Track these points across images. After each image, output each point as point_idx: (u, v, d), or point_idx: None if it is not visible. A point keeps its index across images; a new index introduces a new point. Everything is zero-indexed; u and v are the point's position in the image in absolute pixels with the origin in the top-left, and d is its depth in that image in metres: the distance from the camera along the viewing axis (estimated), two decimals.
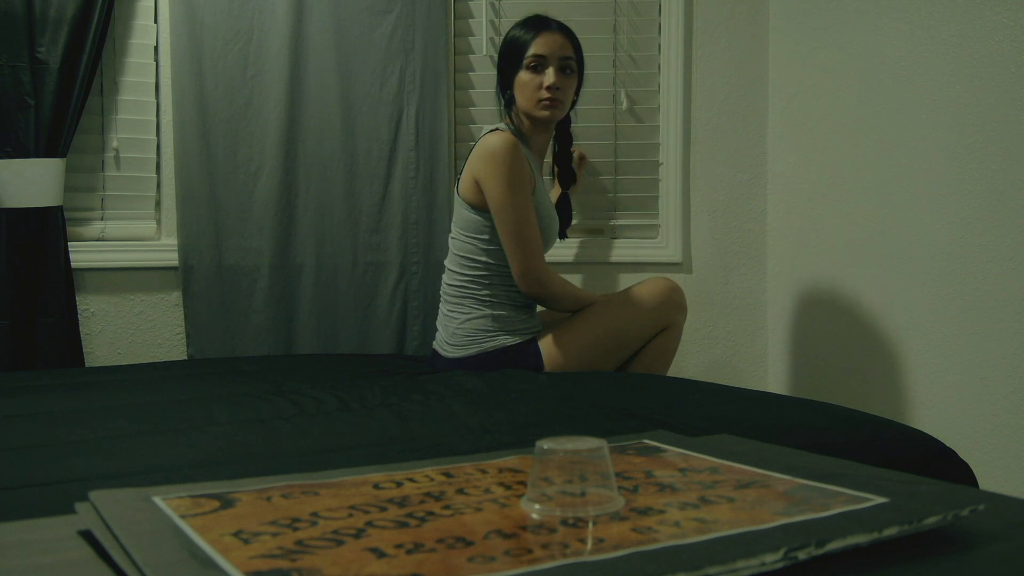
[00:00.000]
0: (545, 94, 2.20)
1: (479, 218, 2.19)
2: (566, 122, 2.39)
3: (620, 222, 2.84)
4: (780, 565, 0.64)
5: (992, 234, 1.95)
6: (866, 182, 2.36)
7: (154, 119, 2.62)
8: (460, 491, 0.81)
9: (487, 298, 2.19)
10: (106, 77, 2.57)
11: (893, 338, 2.27)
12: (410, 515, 0.73)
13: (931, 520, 0.71)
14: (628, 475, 0.86)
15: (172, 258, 2.59)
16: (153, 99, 2.62)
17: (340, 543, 0.66)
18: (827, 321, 2.55)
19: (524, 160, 2.16)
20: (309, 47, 2.59)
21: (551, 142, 2.42)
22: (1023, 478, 1.90)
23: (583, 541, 0.67)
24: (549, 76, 2.19)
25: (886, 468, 0.92)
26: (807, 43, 2.63)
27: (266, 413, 1.64)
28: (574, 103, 2.34)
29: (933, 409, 2.13)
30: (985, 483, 1.90)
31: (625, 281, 2.76)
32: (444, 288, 2.28)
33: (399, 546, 0.66)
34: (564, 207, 2.47)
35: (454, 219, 2.27)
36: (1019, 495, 0.85)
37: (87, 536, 0.72)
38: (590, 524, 0.70)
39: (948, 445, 1.52)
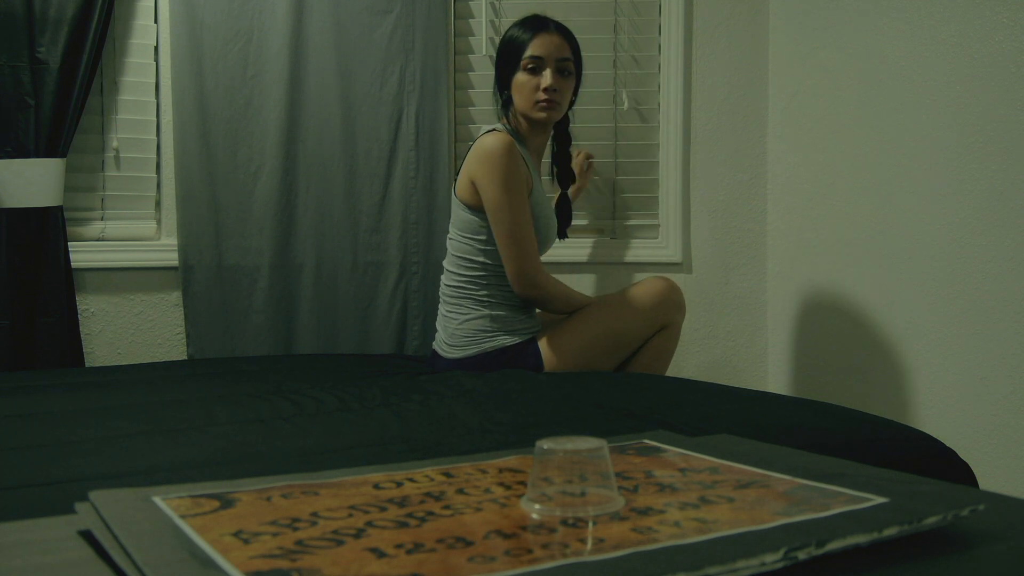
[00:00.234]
0: (542, 96, 2.19)
1: (476, 219, 2.19)
2: (565, 122, 2.39)
3: (620, 222, 2.84)
4: (780, 565, 0.64)
5: (992, 234, 1.95)
6: (866, 182, 2.36)
7: (154, 119, 2.62)
8: (460, 491, 0.81)
9: (485, 298, 2.19)
10: (106, 77, 2.58)
11: (893, 338, 2.27)
12: (410, 515, 0.73)
13: (931, 520, 0.71)
14: (628, 475, 0.86)
15: (172, 258, 2.59)
16: (153, 99, 2.62)
17: (340, 543, 0.66)
18: (827, 321, 2.55)
19: (520, 161, 2.16)
20: (309, 47, 2.59)
21: (549, 142, 2.42)
22: (1023, 478, 1.90)
23: (583, 541, 0.67)
24: (546, 78, 2.19)
25: (886, 468, 0.92)
26: (807, 43, 2.63)
27: (266, 413, 1.64)
28: (572, 103, 2.34)
29: (933, 409, 2.13)
30: (985, 483, 1.90)
31: (625, 281, 2.76)
32: (442, 289, 2.28)
33: (399, 546, 0.66)
34: (563, 207, 2.47)
35: (452, 220, 2.27)
36: (1019, 495, 0.85)
37: (87, 536, 0.72)
38: (590, 524, 0.70)
39: (948, 445, 1.52)
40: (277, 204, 2.59)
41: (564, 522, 0.71)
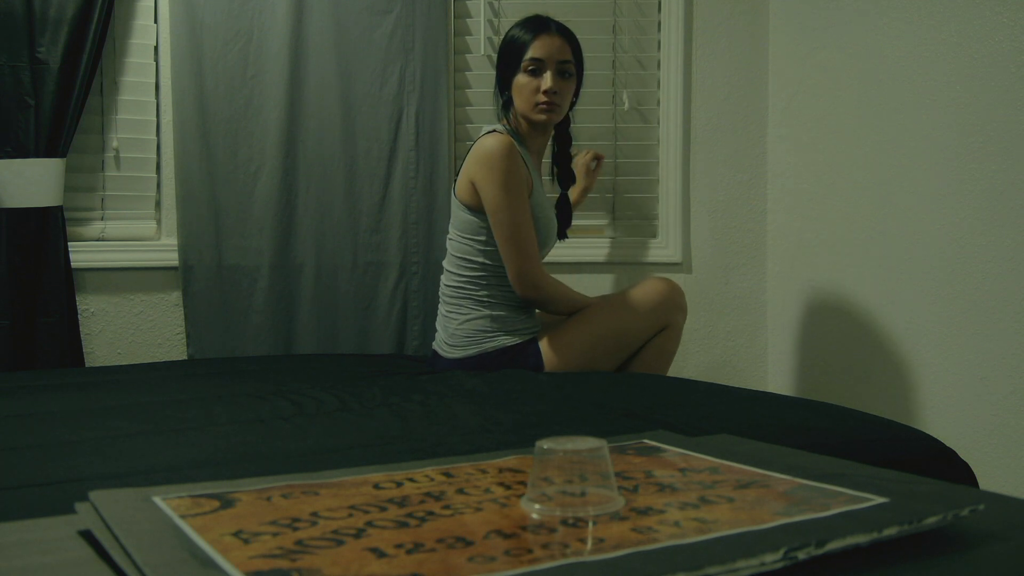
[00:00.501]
0: (542, 98, 2.19)
1: (475, 219, 2.19)
2: (565, 123, 2.39)
3: (620, 222, 2.84)
4: (780, 565, 0.64)
5: (992, 234, 1.95)
6: (866, 182, 2.36)
7: (154, 119, 2.62)
8: (460, 491, 0.81)
9: (485, 299, 2.19)
10: (106, 77, 2.57)
11: (893, 338, 2.27)
12: (410, 515, 0.73)
13: (931, 520, 0.71)
14: (628, 475, 0.86)
15: (172, 258, 2.59)
16: (153, 99, 2.62)
17: (340, 543, 0.66)
18: (827, 321, 2.56)
19: (520, 162, 2.16)
20: (309, 47, 2.59)
21: (550, 142, 2.41)
22: (1023, 478, 1.90)
23: (583, 541, 0.67)
24: (546, 80, 2.18)
25: (886, 468, 0.92)
26: (807, 43, 2.63)
27: (266, 413, 1.64)
28: (573, 104, 2.34)
29: (933, 409, 2.13)
30: (985, 483, 1.90)
31: (625, 281, 2.76)
32: (442, 289, 2.28)
33: (399, 546, 0.66)
34: (564, 208, 2.47)
35: (451, 220, 2.27)
36: (1019, 495, 0.86)
37: (87, 536, 0.72)
38: (590, 524, 0.70)
39: (948, 445, 1.52)
40: (277, 204, 2.59)
41: (564, 522, 0.71)
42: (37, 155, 2.38)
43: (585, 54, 2.31)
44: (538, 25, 2.22)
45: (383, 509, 0.75)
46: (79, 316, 2.51)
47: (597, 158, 2.64)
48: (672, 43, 2.78)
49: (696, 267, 2.83)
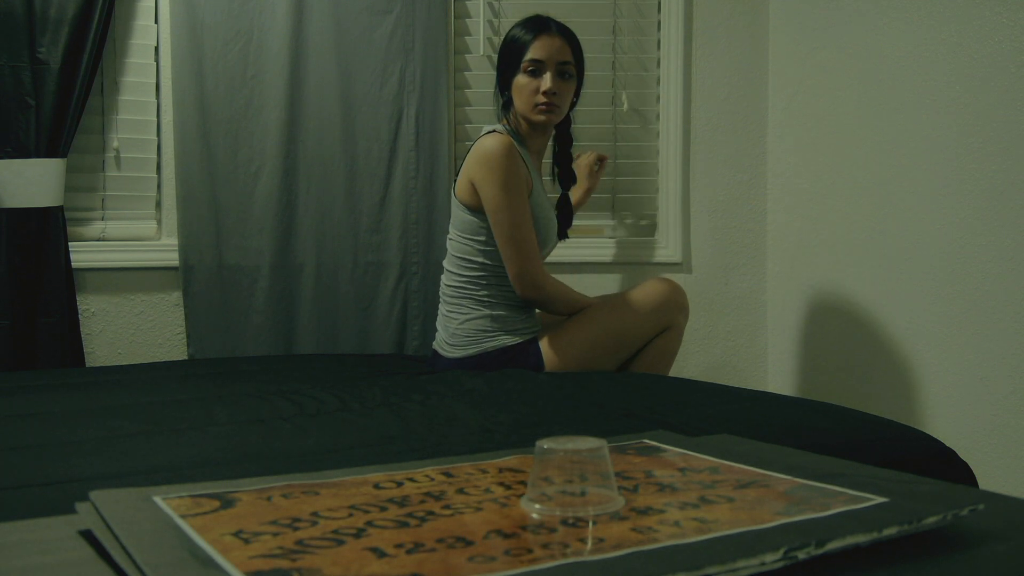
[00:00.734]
0: (541, 99, 2.18)
1: (475, 220, 2.19)
2: (566, 123, 2.38)
3: (620, 222, 2.84)
4: (780, 565, 0.64)
5: (992, 234, 1.95)
6: (866, 182, 2.37)
7: (154, 119, 2.62)
8: (460, 491, 0.81)
9: (485, 298, 2.19)
10: (106, 77, 2.58)
11: (893, 338, 2.27)
12: (410, 515, 0.73)
13: (931, 520, 0.71)
14: (628, 475, 0.86)
15: (172, 258, 2.59)
16: (153, 99, 2.62)
17: (340, 543, 0.66)
18: (827, 321, 2.56)
19: (519, 162, 2.16)
20: (309, 47, 2.59)
21: (551, 142, 2.41)
22: (1023, 478, 1.90)
23: (583, 541, 0.67)
24: (546, 81, 2.18)
25: (886, 468, 0.92)
26: (807, 43, 2.63)
27: (266, 413, 1.64)
28: (574, 104, 2.33)
29: (933, 409, 2.13)
30: (985, 483, 1.90)
31: (625, 281, 2.76)
32: (443, 289, 2.28)
33: (399, 546, 0.66)
34: (564, 208, 2.46)
35: (451, 220, 2.27)
36: (1019, 495, 0.86)
37: (87, 536, 0.72)
38: (590, 524, 0.70)
39: (948, 445, 1.52)
40: (277, 204, 2.59)
41: (564, 522, 0.71)
42: (38, 155, 2.38)
43: (585, 54, 2.30)
44: (538, 25, 2.22)
45: (383, 509, 0.75)
46: (79, 316, 2.51)
47: (600, 159, 2.64)
48: (672, 43, 2.78)
49: (696, 267, 2.83)
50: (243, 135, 2.57)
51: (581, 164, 2.59)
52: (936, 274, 2.11)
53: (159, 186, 2.63)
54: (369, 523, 0.71)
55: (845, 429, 1.54)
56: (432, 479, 0.85)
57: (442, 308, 2.27)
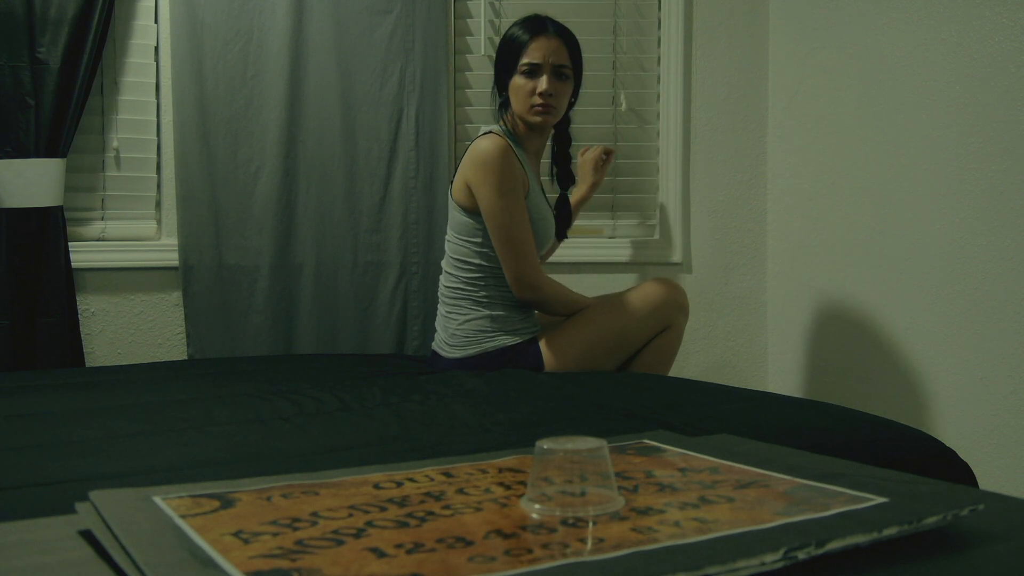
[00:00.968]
0: (537, 100, 2.17)
1: (472, 221, 2.18)
2: (565, 123, 2.37)
3: (620, 222, 2.84)
4: (780, 565, 0.64)
5: (992, 234, 1.95)
6: (866, 182, 2.37)
7: (154, 119, 2.62)
8: (460, 491, 0.81)
9: (484, 299, 2.19)
10: (106, 77, 2.57)
11: (893, 338, 2.27)
12: (410, 515, 0.73)
13: (931, 520, 0.71)
14: (628, 475, 0.86)
15: (172, 258, 2.59)
16: (153, 99, 2.62)
17: (340, 543, 0.66)
18: (827, 321, 2.56)
19: (515, 164, 2.15)
20: (309, 47, 2.59)
21: (549, 142, 2.40)
22: (1023, 478, 1.90)
23: (583, 541, 0.67)
24: (542, 83, 2.16)
25: (886, 468, 0.92)
26: (807, 43, 2.63)
27: (266, 413, 1.64)
28: (572, 104, 2.32)
29: (933, 409, 2.13)
30: (985, 483, 1.90)
31: (625, 281, 2.76)
32: (441, 289, 2.27)
33: (399, 546, 0.66)
34: (563, 208, 2.46)
35: (449, 222, 2.27)
36: (1019, 495, 0.86)
37: (87, 536, 0.72)
38: (590, 524, 0.70)
39: (948, 445, 1.52)
40: (277, 204, 2.59)
41: (564, 522, 0.71)
42: (37, 155, 2.38)
43: (585, 55, 2.29)
44: (535, 26, 2.21)
45: (383, 509, 0.75)
46: (79, 316, 2.51)
47: (607, 153, 2.60)
48: (672, 43, 2.78)
49: (696, 267, 2.83)
50: (243, 135, 2.57)
51: (587, 159, 2.57)
52: (936, 274, 2.11)
53: (159, 186, 2.63)
54: (369, 523, 0.71)
55: (845, 429, 1.54)
56: (432, 479, 0.85)
57: (441, 309, 2.27)
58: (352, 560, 0.63)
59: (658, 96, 2.82)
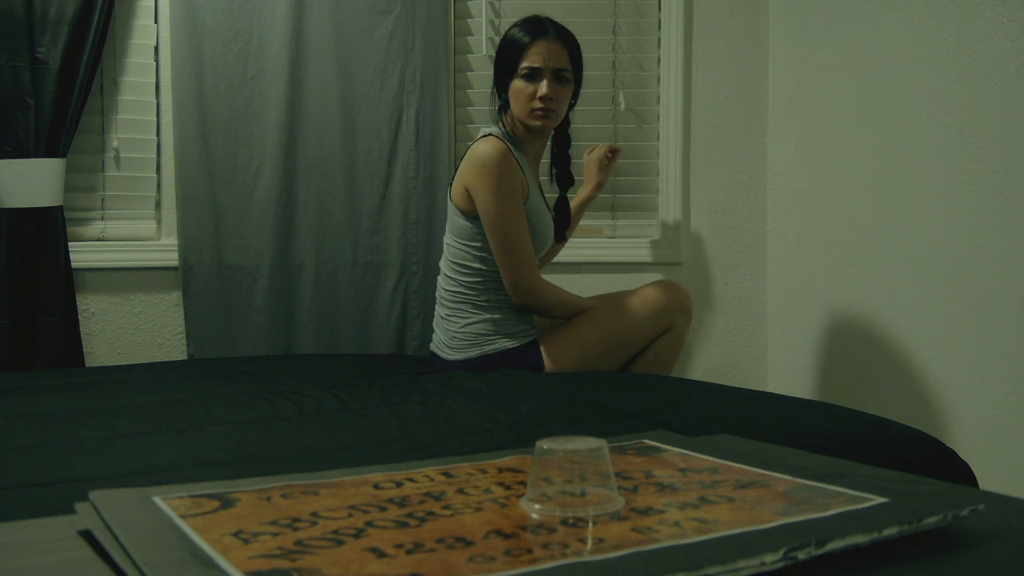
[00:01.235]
0: (538, 104, 2.16)
1: (471, 225, 2.17)
2: (565, 124, 2.36)
3: (620, 222, 2.84)
4: (780, 565, 0.64)
5: (992, 234, 1.95)
6: (866, 182, 2.36)
7: (154, 119, 2.62)
8: (460, 491, 0.81)
9: (484, 303, 2.18)
10: (106, 77, 2.57)
11: (893, 338, 2.27)
12: (410, 515, 0.73)
13: (931, 520, 0.71)
14: (628, 475, 0.86)
15: (172, 258, 2.59)
16: (153, 99, 2.62)
17: (340, 543, 0.66)
18: (827, 321, 2.56)
19: (514, 168, 2.14)
20: (309, 47, 2.59)
21: (550, 143, 2.40)
22: (1023, 478, 1.90)
23: (583, 541, 0.67)
24: (543, 88, 2.15)
25: (886, 468, 0.92)
26: (807, 43, 2.63)
27: (266, 413, 1.64)
28: (572, 106, 2.31)
29: (933, 409, 2.13)
30: (985, 483, 1.90)
31: (625, 281, 2.76)
32: (440, 292, 2.26)
33: (399, 546, 0.66)
34: (563, 209, 2.45)
35: (448, 225, 2.25)
36: (1019, 495, 0.86)
37: (87, 536, 0.72)
38: (590, 524, 0.70)
39: (948, 445, 1.52)
40: (277, 204, 2.59)
41: (564, 522, 0.71)
42: (37, 155, 2.38)
43: (584, 54, 2.28)
44: (536, 29, 2.18)
45: (383, 509, 0.75)
46: (79, 316, 2.51)
47: (613, 151, 2.56)
48: (672, 43, 2.78)
49: (696, 267, 2.83)
50: (243, 135, 2.57)
51: (592, 158, 2.55)
52: (936, 274, 2.11)
53: (159, 186, 2.63)
54: (369, 523, 0.71)
55: (845, 429, 1.54)
56: (432, 479, 0.85)
57: (440, 310, 2.26)
58: (352, 560, 0.63)
59: (658, 96, 2.82)
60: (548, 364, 2.15)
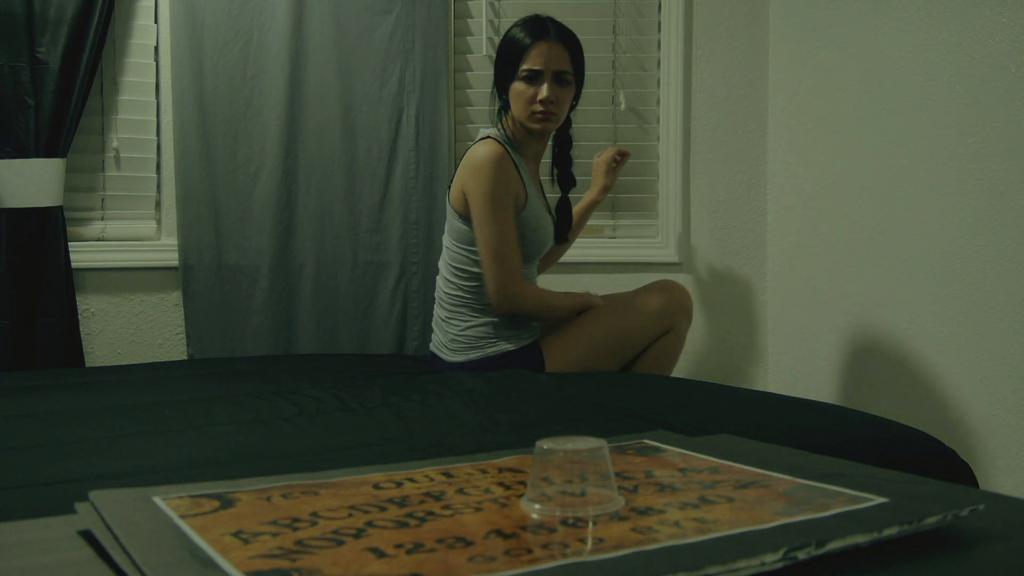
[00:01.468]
0: (539, 107, 2.13)
1: (468, 229, 2.15)
2: (566, 125, 2.33)
3: (620, 222, 2.84)
4: (780, 565, 0.64)
5: (992, 234, 1.95)
6: (866, 182, 2.36)
7: (154, 119, 2.62)
8: (460, 491, 0.80)
9: (483, 306, 2.16)
10: (106, 77, 2.58)
11: (893, 338, 2.27)
12: (410, 515, 0.73)
13: (931, 520, 0.71)
14: (628, 475, 0.85)
15: (172, 258, 2.59)
16: (153, 99, 2.62)
17: (340, 543, 0.66)
18: (827, 321, 2.55)
19: (509, 172, 2.12)
20: (309, 47, 2.59)
21: (550, 143, 2.39)
22: (1023, 478, 1.90)
23: (583, 541, 0.67)
24: (544, 90, 2.12)
25: (886, 468, 0.92)
26: (807, 43, 2.63)
27: (266, 413, 1.64)
28: (573, 107, 2.29)
29: (933, 409, 2.13)
30: (985, 483, 1.90)
31: (625, 281, 2.76)
32: (439, 294, 2.25)
33: (399, 546, 0.66)
34: (564, 211, 2.44)
35: (446, 227, 2.24)
36: (1019, 495, 0.85)
37: (87, 536, 0.72)
38: (590, 524, 0.70)
39: (948, 445, 1.52)
40: (277, 204, 2.59)
41: (564, 522, 0.71)
42: (37, 155, 2.38)
43: (585, 54, 2.25)
44: (537, 30, 2.16)
45: (383, 509, 0.75)
46: (79, 316, 2.51)
47: (621, 154, 2.53)
48: (672, 43, 2.78)
49: (696, 267, 2.83)
50: (243, 135, 2.57)
51: (600, 160, 2.53)
52: (936, 274, 2.11)
53: (159, 186, 2.63)
54: (369, 523, 0.71)
55: (845, 429, 1.54)
56: (432, 479, 0.85)
57: (439, 312, 2.24)
58: (352, 560, 0.62)
59: (658, 97, 2.82)
60: (549, 365, 2.15)
